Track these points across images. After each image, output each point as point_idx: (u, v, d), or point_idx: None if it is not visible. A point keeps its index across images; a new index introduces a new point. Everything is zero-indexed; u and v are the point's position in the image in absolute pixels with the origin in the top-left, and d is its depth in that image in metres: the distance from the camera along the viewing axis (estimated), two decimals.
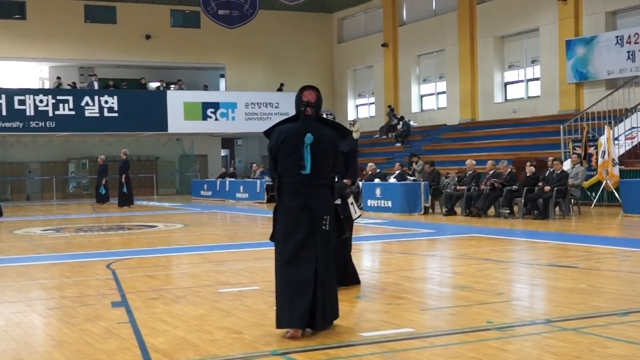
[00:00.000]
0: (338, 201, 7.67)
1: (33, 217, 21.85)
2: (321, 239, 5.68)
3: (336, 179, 7.62)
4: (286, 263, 5.66)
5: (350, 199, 7.76)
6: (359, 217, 7.92)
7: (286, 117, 6.06)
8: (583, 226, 14.77)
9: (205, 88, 35.01)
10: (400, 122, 31.03)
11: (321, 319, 5.64)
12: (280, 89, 33.73)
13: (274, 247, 5.89)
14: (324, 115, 7.39)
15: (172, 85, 34.64)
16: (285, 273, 5.65)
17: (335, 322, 5.95)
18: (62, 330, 6.27)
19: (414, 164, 22.15)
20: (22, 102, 30.15)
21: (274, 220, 5.86)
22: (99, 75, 34.33)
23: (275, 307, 5.81)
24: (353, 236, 8.07)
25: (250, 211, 22.57)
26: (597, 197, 18.43)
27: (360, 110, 37.38)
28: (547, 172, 16.63)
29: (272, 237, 5.86)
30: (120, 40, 33.80)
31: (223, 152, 37.98)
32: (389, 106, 32.87)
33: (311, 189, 5.71)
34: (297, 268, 5.60)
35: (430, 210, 18.87)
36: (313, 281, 5.56)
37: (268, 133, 5.91)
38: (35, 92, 30.94)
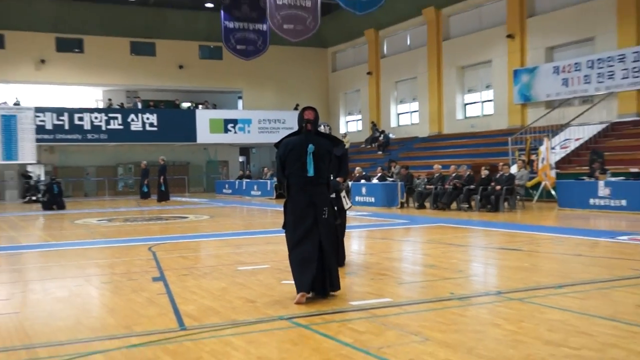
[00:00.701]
0: (332, 195, 7.73)
1: (90, 210, 21.86)
2: (324, 225, 5.76)
3: (331, 177, 7.71)
4: (296, 245, 5.76)
5: (343, 193, 7.80)
6: (349, 207, 7.97)
7: (290, 131, 6.13)
8: (526, 217, 14.80)
9: (214, 107, 34.93)
10: (382, 135, 31.06)
11: (321, 288, 5.77)
12: (296, 108, 33.33)
13: (284, 234, 5.96)
14: (322, 126, 7.46)
15: (200, 105, 34.70)
16: (296, 252, 5.76)
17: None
18: (113, 300, 6.30)
19: (392, 168, 22.13)
20: (80, 119, 30.21)
21: (284, 213, 5.93)
22: (141, 97, 34.42)
23: (282, 282, 5.85)
24: (346, 225, 8.10)
25: (262, 205, 22.57)
26: (537, 194, 18.46)
27: (350, 126, 37.33)
28: (498, 174, 16.67)
29: (284, 226, 5.93)
30: (158, 69, 33.85)
31: (240, 159, 37.93)
32: (373, 122, 32.92)
33: (314, 188, 5.80)
34: (304, 248, 5.70)
35: (405, 205, 18.87)
36: (316, 258, 5.65)
37: (277, 145, 5.98)
38: (91, 110, 30.97)
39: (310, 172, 5.72)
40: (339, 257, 7.92)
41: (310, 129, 5.86)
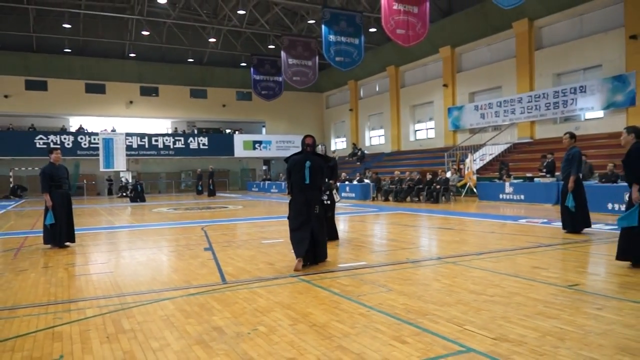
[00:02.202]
0: (327, 192, 7.69)
1: (162, 202, 21.76)
2: (315, 217, 5.68)
3: (326, 181, 7.67)
4: (295, 230, 5.66)
5: (334, 190, 7.79)
6: (339, 200, 7.93)
7: (297, 149, 6.08)
8: (457, 207, 14.78)
9: (246, 132, 34.75)
10: (359, 151, 31.01)
11: (313, 259, 5.69)
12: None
13: (288, 221, 5.88)
14: (320, 146, 7.46)
15: (237, 131, 34.61)
16: (295, 235, 5.66)
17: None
18: (177, 263, 6.24)
19: (366, 174, 22.13)
20: (156, 140, 30.09)
21: (289, 208, 5.86)
22: (197, 126, 34.37)
23: (292, 251, 5.79)
24: (336, 212, 8.06)
25: (278, 199, 22.49)
26: (464, 191, 18.46)
27: (338, 145, 37.21)
28: (438, 177, 16.67)
29: (288, 217, 5.86)
30: (208, 107, 33.70)
31: (264, 167, 37.84)
32: (353, 143, 32.87)
33: (309, 191, 5.71)
34: (300, 232, 5.60)
35: (375, 198, 18.87)
36: (309, 240, 5.56)
37: (286, 160, 5.93)
38: (163, 135, 30.79)
39: (307, 180, 5.66)
40: (333, 233, 7.84)
41: (309, 150, 5.81)
